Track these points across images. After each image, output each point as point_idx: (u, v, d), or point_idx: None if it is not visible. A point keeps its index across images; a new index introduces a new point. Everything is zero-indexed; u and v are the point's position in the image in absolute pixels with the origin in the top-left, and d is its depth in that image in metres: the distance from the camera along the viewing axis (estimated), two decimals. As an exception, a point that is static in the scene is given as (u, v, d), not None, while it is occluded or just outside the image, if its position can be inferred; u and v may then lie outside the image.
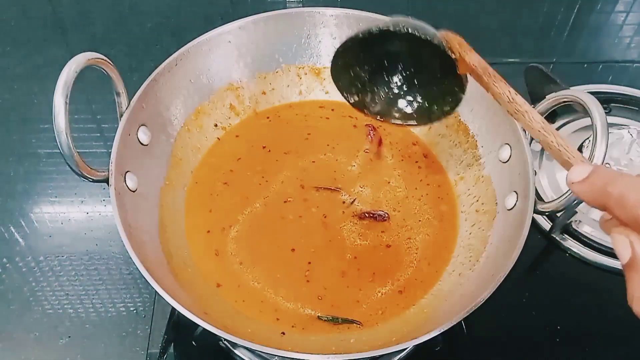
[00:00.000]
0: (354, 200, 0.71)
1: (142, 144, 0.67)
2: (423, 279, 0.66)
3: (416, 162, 0.75)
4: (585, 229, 0.77)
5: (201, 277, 0.65)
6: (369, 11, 0.76)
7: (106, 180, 0.60)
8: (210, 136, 0.76)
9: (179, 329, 0.69)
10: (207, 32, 0.73)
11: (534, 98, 0.87)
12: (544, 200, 0.62)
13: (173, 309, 0.61)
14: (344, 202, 0.71)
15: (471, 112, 0.73)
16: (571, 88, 0.81)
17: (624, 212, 0.37)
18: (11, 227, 0.79)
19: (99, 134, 0.90)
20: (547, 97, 0.63)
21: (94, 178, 0.59)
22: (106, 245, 0.77)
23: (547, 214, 0.72)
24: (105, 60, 0.60)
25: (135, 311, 0.71)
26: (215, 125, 0.77)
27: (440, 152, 0.76)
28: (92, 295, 0.73)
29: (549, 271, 0.76)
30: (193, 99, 0.74)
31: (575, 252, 0.76)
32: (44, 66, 0.97)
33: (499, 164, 0.68)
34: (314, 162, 0.75)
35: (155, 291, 0.53)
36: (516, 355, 0.69)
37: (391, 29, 0.55)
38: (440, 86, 0.60)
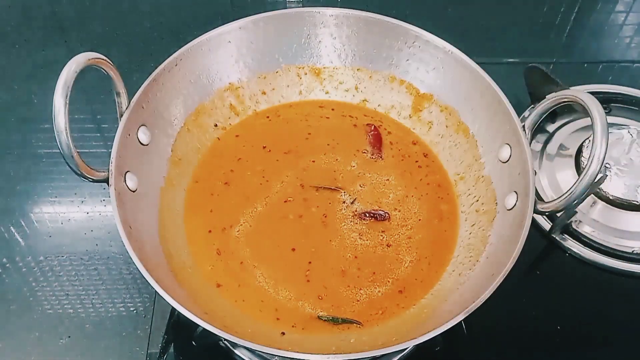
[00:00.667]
0: (354, 200, 0.71)
1: (142, 144, 0.67)
2: (423, 279, 0.66)
3: (416, 161, 0.75)
4: (585, 229, 0.77)
5: (201, 277, 0.65)
6: (369, 11, 0.76)
7: (106, 180, 0.60)
8: (210, 136, 0.76)
9: (179, 329, 0.69)
10: (207, 32, 0.73)
11: (534, 98, 0.87)
12: (544, 200, 0.62)
13: (173, 309, 0.61)
14: (344, 202, 0.71)
15: (471, 112, 0.73)
16: (571, 88, 0.81)
17: None
18: (11, 227, 0.79)
19: (99, 134, 0.90)
20: (547, 97, 0.63)
21: (94, 178, 0.59)
22: (106, 245, 0.77)
23: (547, 214, 0.72)
24: (105, 60, 0.60)
25: (135, 311, 0.71)
26: (215, 125, 0.77)
27: (440, 152, 0.76)
28: (92, 295, 0.73)
29: (549, 271, 0.76)
30: (193, 99, 0.74)
31: (575, 252, 0.76)
32: (44, 66, 0.97)
33: (499, 164, 0.68)
34: (314, 161, 0.75)
35: (155, 291, 0.53)
36: (516, 355, 0.69)
37: None
38: None
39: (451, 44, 0.73)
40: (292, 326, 0.62)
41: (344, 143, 0.76)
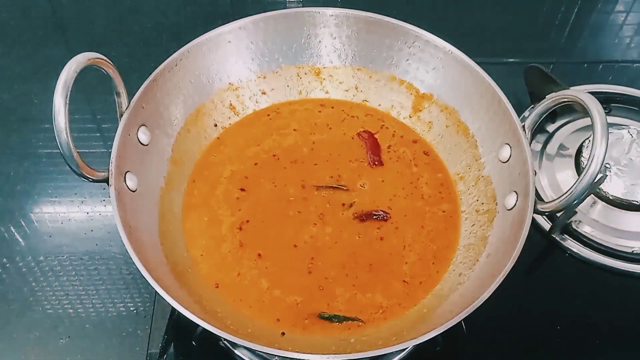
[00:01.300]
0: (354, 202, 0.71)
1: (142, 144, 0.67)
2: (423, 279, 0.66)
3: (416, 161, 0.75)
4: (585, 229, 0.77)
5: (201, 277, 0.65)
6: (369, 11, 0.76)
7: (106, 180, 0.60)
8: (210, 136, 0.76)
9: (179, 329, 0.69)
10: (207, 32, 0.73)
11: (534, 98, 0.87)
12: (544, 200, 0.62)
13: (173, 309, 0.61)
14: (343, 205, 0.71)
15: (471, 112, 0.73)
16: (571, 88, 0.81)
17: None
18: (11, 227, 0.79)
19: (99, 134, 0.90)
20: (547, 97, 0.63)
21: (94, 178, 0.59)
22: (106, 245, 0.77)
23: (547, 214, 0.72)
24: (105, 60, 0.60)
25: (135, 311, 0.71)
26: (215, 125, 0.77)
27: (440, 152, 0.76)
28: (92, 295, 0.73)
29: (549, 271, 0.76)
30: (193, 99, 0.74)
31: (575, 252, 0.76)
32: (44, 66, 0.97)
33: (499, 163, 0.68)
34: (315, 162, 0.75)
35: (155, 291, 0.53)
36: (516, 355, 0.69)
37: None
38: None
39: (451, 44, 0.73)
40: (292, 326, 0.62)
41: (345, 143, 0.76)
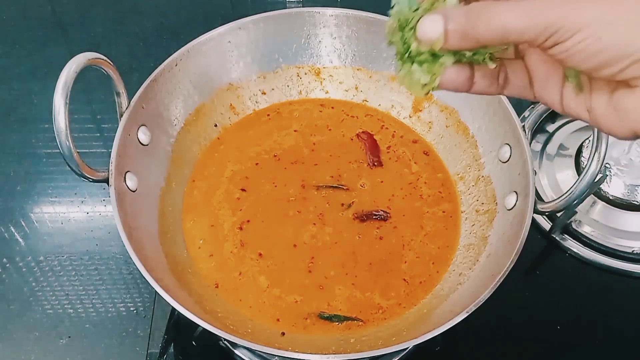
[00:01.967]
0: (353, 202, 0.71)
1: (142, 144, 0.67)
2: (424, 279, 0.66)
3: (416, 161, 0.75)
4: (585, 229, 0.77)
5: (201, 277, 0.65)
6: (369, 11, 0.76)
7: (106, 180, 0.60)
8: (210, 136, 0.76)
9: (179, 329, 0.69)
10: (207, 32, 0.73)
11: (534, 98, 0.87)
12: (544, 200, 0.62)
13: (173, 309, 0.61)
14: (342, 205, 0.71)
15: (471, 112, 0.73)
16: (571, 88, 0.80)
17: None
18: (11, 227, 0.79)
19: (99, 134, 0.90)
20: (547, 97, 0.63)
21: (94, 178, 0.59)
22: (106, 245, 0.77)
23: (547, 214, 0.72)
24: (105, 60, 0.60)
25: (135, 311, 0.71)
26: (215, 125, 0.77)
27: (440, 152, 0.76)
28: (92, 295, 0.73)
29: (549, 271, 0.76)
30: (193, 99, 0.74)
31: (575, 252, 0.76)
32: (44, 66, 0.97)
33: (499, 164, 0.68)
34: (315, 162, 0.75)
35: (155, 291, 0.53)
36: (516, 355, 0.69)
37: None
38: None
39: (451, 44, 0.73)
40: (292, 326, 0.62)
41: (345, 143, 0.77)
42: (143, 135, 0.67)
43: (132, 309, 0.71)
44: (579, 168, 0.82)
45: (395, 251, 0.67)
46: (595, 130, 0.56)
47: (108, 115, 0.90)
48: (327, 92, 0.81)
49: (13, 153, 0.86)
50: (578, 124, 0.88)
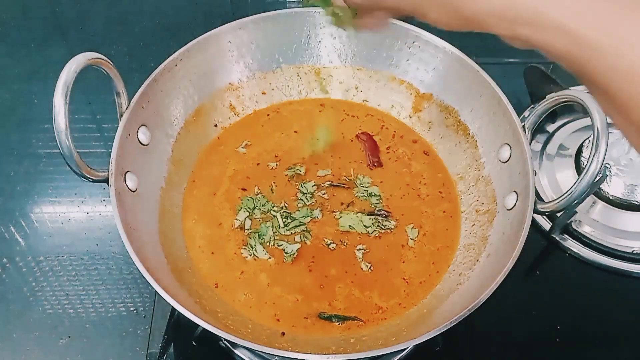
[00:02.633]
0: (352, 201, 0.71)
1: (142, 144, 0.67)
2: (424, 279, 0.66)
3: (416, 161, 0.75)
4: (585, 229, 0.77)
5: (201, 277, 0.65)
6: (369, 11, 0.76)
7: (106, 180, 0.60)
8: (210, 136, 0.76)
9: (179, 329, 0.69)
10: (207, 32, 0.73)
11: (534, 98, 0.87)
12: (544, 200, 0.62)
13: (173, 309, 0.61)
14: (342, 204, 0.71)
15: (471, 112, 0.73)
16: (571, 88, 0.80)
17: None
18: (11, 227, 0.79)
19: (99, 134, 0.90)
20: (547, 97, 0.63)
21: (94, 178, 0.59)
22: (106, 245, 0.77)
23: (547, 214, 0.72)
24: (105, 60, 0.60)
25: (135, 311, 0.71)
26: (215, 125, 0.77)
27: (440, 152, 0.76)
28: (92, 295, 0.73)
29: (549, 271, 0.76)
30: (193, 99, 0.74)
31: (575, 252, 0.76)
32: (44, 66, 0.97)
33: (499, 164, 0.68)
34: (315, 162, 0.75)
35: (155, 291, 0.53)
36: (516, 355, 0.69)
37: None
38: None
39: (451, 44, 0.73)
40: (292, 326, 0.62)
41: (345, 143, 0.77)
42: (143, 135, 0.67)
43: (132, 309, 0.71)
44: (579, 168, 0.82)
45: (395, 251, 0.67)
46: (595, 130, 0.56)
47: (108, 115, 0.90)
48: (327, 92, 0.81)
49: (13, 153, 0.86)
50: (578, 123, 0.88)
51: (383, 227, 0.69)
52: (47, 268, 0.75)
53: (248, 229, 0.68)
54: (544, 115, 0.65)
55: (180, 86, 0.72)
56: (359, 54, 0.79)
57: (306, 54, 0.79)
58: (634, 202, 0.78)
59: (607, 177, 0.79)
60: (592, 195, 0.79)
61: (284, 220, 0.69)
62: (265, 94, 0.80)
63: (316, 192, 0.71)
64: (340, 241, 0.68)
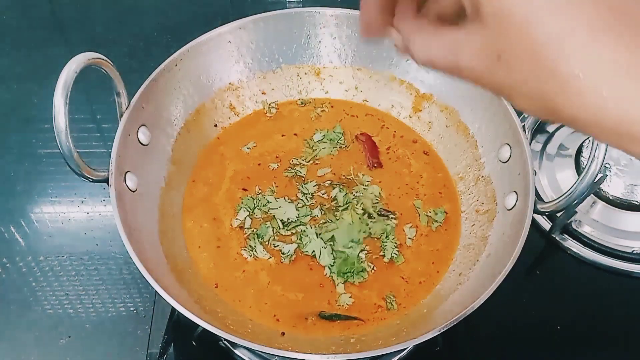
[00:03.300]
0: (354, 199, 0.71)
1: (142, 144, 0.67)
2: (424, 279, 0.66)
3: (416, 161, 0.75)
4: (585, 229, 0.77)
5: (201, 277, 0.65)
6: (369, 11, 0.76)
7: (106, 180, 0.60)
8: (210, 136, 0.76)
9: (179, 329, 0.69)
10: (207, 32, 0.73)
11: (534, 98, 0.87)
12: (544, 200, 0.62)
13: (173, 309, 0.61)
14: (341, 204, 0.71)
15: (471, 112, 0.73)
16: (571, 88, 0.80)
17: None
18: (11, 227, 0.79)
19: (99, 134, 0.90)
20: (547, 97, 0.63)
21: (94, 178, 0.59)
22: (106, 245, 0.77)
23: (547, 214, 0.72)
24: (105, 60, 0.60)
25: (135, 311, 0.71)
26: (215, 125, 0.77)
27: (440, 152, 0.76)
28: (92, 295, 0.73)
29: (549, 271, 0.76)
30: (193, 99, 0.74)
31: (575, 252, 0.76)
32: (44, 66, 0.97)
33: (499, 164, 0.68)
34: (315, 162, 0.75)
35: (155, 291, 0.53)
36: (516, 355, 0.69)
37: None
38: None
39: (451, 44, 0.73)
40: (292, 326, 0.62)
41: (345, 142, 0.77)
42: (143, 135, 0.67)
43: (132, 309, 0.71)
44: (579, 168, 0.82)
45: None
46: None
47: (108, 115, 0.90)
48: (327, 92, 0.81)
49: (13, 153, 0.86)
50: (578, 124, 0.88)
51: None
52: (47, 268, 0.75)
53: (248, 228, 0.68)
54: (544, 115, 0.64)
55: (180, 86, 0.72)
56: (359, 54, 0.79)
57: (306, 54, 0.79)
58: (634, 202, 0.78)
59: (607, 177, 0.79)
60: (592, 195, 0.79)
61: (282, 220, 0.68)
62: (265, 94, 0.80)
63: (316, 192, 0.71)
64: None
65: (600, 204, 0.79)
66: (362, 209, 0.69)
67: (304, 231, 0.67)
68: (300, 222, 0.68)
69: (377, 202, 0.71)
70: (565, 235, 0.77)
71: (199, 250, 0.67)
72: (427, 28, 0.36)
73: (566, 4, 0.27)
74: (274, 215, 0.69)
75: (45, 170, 0.85)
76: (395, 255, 0.66)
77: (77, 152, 0.57)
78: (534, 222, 0.70)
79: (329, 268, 0.65)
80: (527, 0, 0.27)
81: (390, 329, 0.61)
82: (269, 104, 0.79)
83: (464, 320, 0.52)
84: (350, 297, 0.63)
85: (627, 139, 0.29)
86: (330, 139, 0.76)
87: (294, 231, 0.68)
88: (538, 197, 0.72)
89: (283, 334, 0.61)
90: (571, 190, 0.58)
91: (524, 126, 0.64)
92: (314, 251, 0.66)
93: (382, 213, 0.69)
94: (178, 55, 0.71)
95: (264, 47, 0.77)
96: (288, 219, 0.68)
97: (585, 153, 0.82)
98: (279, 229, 0.68)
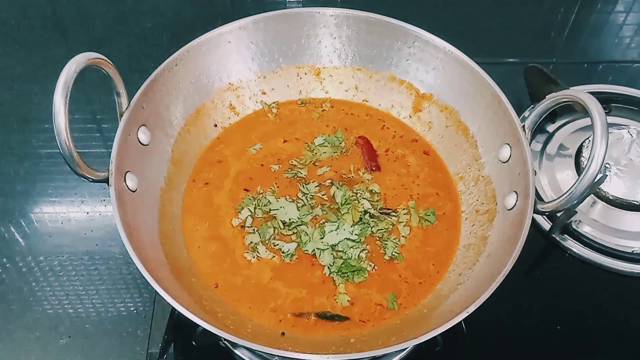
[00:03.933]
0: (353, 198, 0.71)
1: (142, 144, 0.67)
2: (424, 279, 0.66)
3: (416, 161, 0.75)
4: (585, 229, 0.77)
5: (201, 277, 0.65)
6: (369, 11, 0.76)
7: (106, 180, 0.60)
8: (210, 136, 0.76)
9: (179, 329, 0.69)
10: (207, 32, 0.73)
11: (534, 98, 0.87)
12: (544, 200, 0.62)
13: (173, 309, 0.61)
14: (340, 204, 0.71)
15: (471, 112, 0.73)
16: (571, 88, 0.81)
17: None
18: (11, 227, 0.79)
19: (99, 134, 0.90)
20: (547, 97, 0.63)
21: (94, 178, 0.59)
22: (106, 245, 0.77)
23: (547, 214, 0.72)
24: (105, 60, 0.60)
25: (135, 311, 0.71)
26: (215, 125, 0.77)
27: (440, 152, 0.76)
28: (92, 295, 0.73)
29: (549, 271, 0.76)
30: (193, 99, 0.74)
31: (575, 252, 0.76)
32: (44, 66, 0.97)
33: (499, 164, 0.68)
34: (315, 162, 0.75)
35: (155, 291, 0.53)
36: (516, 355, 0.69)
37: None
38: None
39: (451, 44, 0.73)
40: (292, 326, 0.62)
41: (345, 142, 0.77)
42: (143, 135, 0.67)
43: (132, 309, 0.71)
44: (579, 168, 0.82)
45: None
46: (595, 130, 0.56)
47: (108, 115, 0.90)
48: (327, 92, 0.81)
49: (13, 153, 0.86)
50: (578, 124, 0.88)
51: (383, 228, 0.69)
52: (47, 268, 0.75)
53: (249, 227, 0.68)
54: (544, 115, 0.65)
55: (180, 86, 0.72)
56: (359, 54, 0.79)
57: (306, 54, 0.79)
58: (634, 202, 0.78)
59: (607, 177, 0.79)
60: (592, 195, 0.79)
61: (283, 220, 0.68)
62: (265, 94, 0.80)
63: (317, 192, 0.71)
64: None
65: (600, 204, 0.79)
66: (363, 209, 0.69)
67: (304, 231, 0.67)
68: (301, 221, 0.68)
69: (378, 201, 0.71)
70: (565, 235, 0.77)
71: (199, 250, 0.67)
72: None
73: None
74: (274, 216, 0.69)
75: (45, 170, 0.85)
76: (396, 255, 0.66)
77: (77, 152, 0.57)
78: (534, 222, 0.70)
79: (329, 268, 0.65)
80: None
81: (390, 329, 0.61)
82: (270, 105, 0.79)
83: (464, 320, 0.52)
84: (347, 298, 0.63)
85: None
86: (332, 143, 0.76)
87: (295, 230, 0.68)
88: (538, 197, 0.72)
89: (283, 334, 0.61)
90: (571, 190, 0.58)
91: (524, 126, 0.64)
92: (314, 250, 0.66)
93: (383, 212, 0.70)
94: (178, 55, 0.71)
95: (264, 47, 0.77)
96: (289, 219, 0.68)
97: (585, 153, 0.82)
98: (280, 228, 0.68)
